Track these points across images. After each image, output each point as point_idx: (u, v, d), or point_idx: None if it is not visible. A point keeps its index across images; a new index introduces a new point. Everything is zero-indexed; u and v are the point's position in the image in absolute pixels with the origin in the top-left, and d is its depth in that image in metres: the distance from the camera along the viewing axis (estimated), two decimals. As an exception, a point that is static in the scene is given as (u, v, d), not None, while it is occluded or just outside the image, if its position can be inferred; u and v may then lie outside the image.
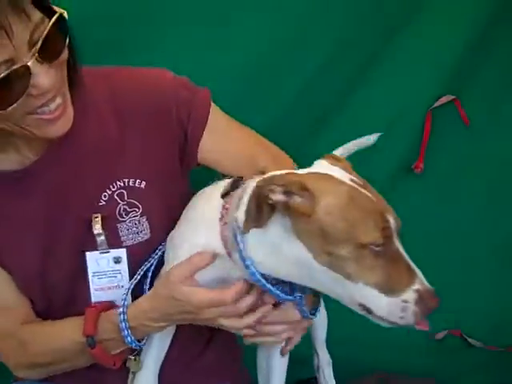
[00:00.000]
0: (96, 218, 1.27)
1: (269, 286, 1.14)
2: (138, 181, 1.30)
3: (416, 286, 1.03)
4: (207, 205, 1.24)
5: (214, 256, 1.18)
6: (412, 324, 1.04)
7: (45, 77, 1.04)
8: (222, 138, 1.40)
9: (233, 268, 1.16)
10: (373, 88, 2.18)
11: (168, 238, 1.30)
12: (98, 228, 1.26)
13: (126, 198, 1.29)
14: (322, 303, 1.73)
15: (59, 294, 1.32)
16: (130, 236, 1.31)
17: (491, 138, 2.30)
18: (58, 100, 1.11)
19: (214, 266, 1.18)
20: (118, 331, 1.22)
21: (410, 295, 1.03)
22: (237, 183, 1.18)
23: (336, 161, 1.19)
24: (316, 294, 1.28)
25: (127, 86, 1.31)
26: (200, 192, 1.34)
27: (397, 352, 2.18)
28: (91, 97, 1.28)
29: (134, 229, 1.31)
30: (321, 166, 1.17)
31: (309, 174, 1.10)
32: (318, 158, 1.99)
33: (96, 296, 1.32)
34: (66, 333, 1.28)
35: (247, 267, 1.11)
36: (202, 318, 1.19)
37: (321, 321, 1.76)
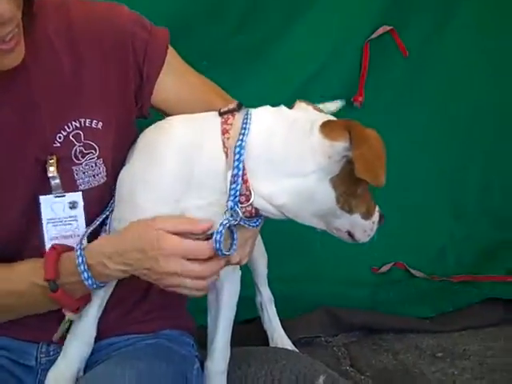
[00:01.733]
0: (51, 159, 1.20)
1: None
2: (94, 121, 1.23)
3: (377, 209, 1.25)
4: (183, 129, 1.20)
5: (209, 227, 1.13)
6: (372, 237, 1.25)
7: (6, 4, 1.00)
8: (178, 81, 1.35)
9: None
10: (309, 21, 2.12)
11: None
12: (52, 170, 1.20)
13: (82, 139, 1.23)
14: (262, 243, 1.72)
15: (11, 242, 1.25)
16: (86, 179, 1.25)
17: (430, 67, 2.30)
18: (15, 30, 1.04)
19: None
20: (78, 273, 1.16)
21: (376, 217, 1.24)
22: (240, 106, 1.19)
23: (307, 104, 1.28)
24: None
25: (83, 19, 1.23)
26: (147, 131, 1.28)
27: (343, 286, 2.21)
28: (44, 29, 1.20)
29: (90, 172, 1.25)
30: (306, 109, 1.26)
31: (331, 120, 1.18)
32: (254, 95, 2.04)
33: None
34: (25, 276, 1.20)
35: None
36: (161, 270, 1.13)
37: (261, 259, 1.75)
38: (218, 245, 1.11)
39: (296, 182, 1.12)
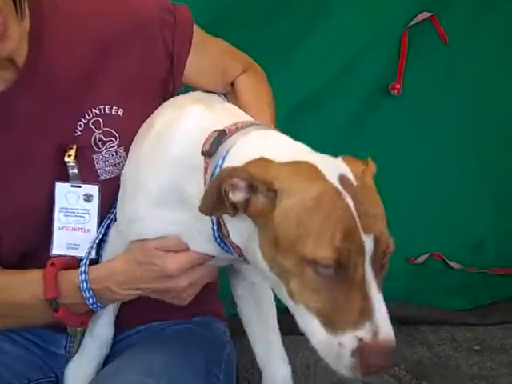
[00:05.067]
0: (71, 148, 1.20)
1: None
2: (114, 108, 1.22)
3: (360, 333, 0.80)
4: (185, 144, 1.07)
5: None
6: (350, 375, 0.83)
7: None
8: (200, 57, 1.33)
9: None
10: (349, 8, 2.10)
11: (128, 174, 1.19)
12: (71, 159, 1.19)
13: (101, 127, 1.22)
14: None
15: (30, 230, 1.24)
16: (107, 169, 1.23)
17: (470, 55, 2.25)
18: None
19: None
20: (81, 296, 1.15)
21: (348, 340, 0.81)
22: (220, 138, 1.00)
23: (351, 162, 0.94)
24: None
25: (111, 8, 1.24)
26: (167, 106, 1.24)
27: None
28: (66, 18, 1.20)
29: (111, 160, 1.23)
30: (321, 158, 0.94)
31: (288, 163, 0.90)
32: (294, 81, 2.03)
33: (58, 236, 1.23)
34: (27, 288, 1.19)
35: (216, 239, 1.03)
36: (177, 287, 1.14)
37: None
38: None
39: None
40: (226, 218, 0.96)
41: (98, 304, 1.16)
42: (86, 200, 1.23)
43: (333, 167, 0.89)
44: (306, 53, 2.07)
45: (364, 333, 0.79)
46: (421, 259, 2.31)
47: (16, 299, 1.20)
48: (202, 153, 0.99)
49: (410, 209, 2.20)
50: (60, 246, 1.23)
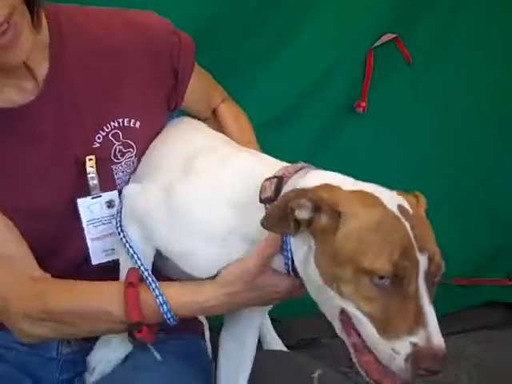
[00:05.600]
0: (90, 159, 1.23)
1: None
2: (132, 120, 1.28)
3: (415, 339, 0.87)
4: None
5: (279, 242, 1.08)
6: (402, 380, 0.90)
7: None
8: (196, 81, 1.41)
9: None
10: (314, 28, 2.16)
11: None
12: (91, 171, 1.23)
13: (121, 139, 1.27)
14: None
15: (50, 246, 1.26)
16: (125, 178, 1.29)
17: (433, 76, 2.32)
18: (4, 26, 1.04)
19: None
20: (161, 316, 1.14)
21: (403, 346, 0.87)
22: (279, 183, 1.06)
23: (405, 195, 1.04)
24: None
25: (125, 29, 1.29)
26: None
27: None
28: (86, 36, 1.25)
29: (129, 170, 1.29)
30: (380, 189, 1.02)
31: (353, 191, 0.99)
32: (258, 101, 2.07)
33: (94, 246, 1.26)
34: (103, 304, 1.16)
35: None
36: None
37: None
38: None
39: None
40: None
41: (178, 319, 1.15)
42: (108, 206, 1.27)
43: (391, 197, 0.99)
44: (274, 72, 2.13)
45: (418, 339, 0.87)
46: (386, 271, 2.38)
47: (89, 310, 1.17)
48: (261, 200, 1.05)
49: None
50: (97, 255, 1.27)
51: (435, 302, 2.38)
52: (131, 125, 1.28)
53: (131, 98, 1.28)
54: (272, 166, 1.12)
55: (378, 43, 2.19)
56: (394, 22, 2.22)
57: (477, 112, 2.39)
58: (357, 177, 1.10)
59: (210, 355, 1.61)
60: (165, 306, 1.12)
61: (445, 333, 2.19)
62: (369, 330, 0.91)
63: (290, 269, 1.06)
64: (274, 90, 2.12)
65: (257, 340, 1.30)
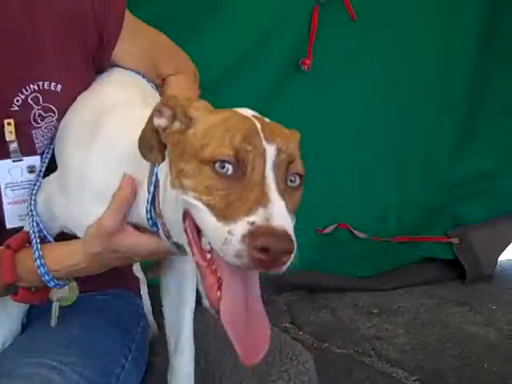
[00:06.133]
0: (9, 123, 1.18)
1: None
2: (53, 84, 1.21)
3: (252, 218, 0.78)
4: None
5: (134, 183, 1.04)
6: (235, 262, 0.80)
7: None
8: (132, 40, 1.35)
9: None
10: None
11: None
12: (10, 134, 1.18)
13: (41, 102, 1.21)
14: None
15: None
16: (46, 142, 1.23)
17: (377, 33, 2.33)
18: None
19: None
20: (39, 278, 1.12)
21: (238, 226, 0.79)
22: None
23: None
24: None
25: None
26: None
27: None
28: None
29: (50, 135, 1.24)
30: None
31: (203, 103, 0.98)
32: (206, 53, 2.00)
33: (9, 210, 1.22)
34: None
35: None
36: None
37: None
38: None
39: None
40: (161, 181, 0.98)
41: (59, 283, 1.14)
42: (30, 172, 1.23)
43: (250, 112, 0.94)
44: (217, 30, 2.09)
45: (256, 217, 0.78)
46: (328, 229, 2.42)
47: None
48: None
49: (319, 181, 2.21)
50: (12, 219, 1.23)
51: (375, 259, 2.48)
52: (52, 88, 1.22)
53: (52, 60, 1.23)
54: None
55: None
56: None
57: (419, 69, 2.42)
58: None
59: (150, 309, 1.62)
60: (42, 269, 1.11)
61: (383, 288, 2.28)
62: (207, 219, 0.83)
63: (149, 208, 1.01)
64: (218, 47, 2.09)
65: (195, 283, 1.27)
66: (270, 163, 0.85)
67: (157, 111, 0.95)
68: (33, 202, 1.16)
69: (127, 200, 1.03)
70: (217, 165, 0.84)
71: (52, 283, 1.12)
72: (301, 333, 1.99)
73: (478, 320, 2.08)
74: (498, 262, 2.45)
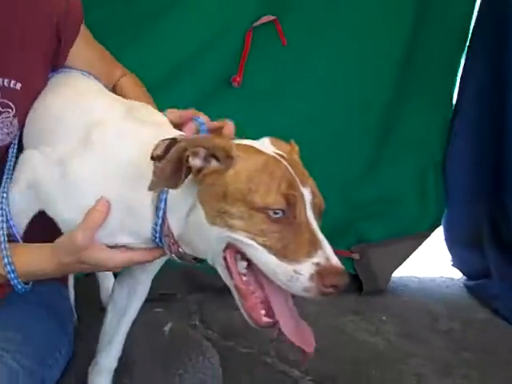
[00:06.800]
0: None
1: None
2: (13, 82, 1.26)
3: (316, 260, 0.94)
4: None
5: (108, 202, 1.09)
6: (303, 294, 0.95)
7: None
8: (88, 46, 1.43)
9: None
10: (197, 2, 2.26)
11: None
12: None
13: None
14: None
15: None
16: (1, 137, 1.27)
17: (308, 57, 2.47)
18: None
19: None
20: (3, 278, 1.15)
21: (305, 267, 0.94)
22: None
23: (277, 142, 1.14)
24: None
25: None
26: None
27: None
28: None
29: (6, 129, 1.27)
30: (255, 142, 1.11)
31: (235, 143, 1.06)
32: (138, 66, 2.04)
33: None
34: None
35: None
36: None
37: None
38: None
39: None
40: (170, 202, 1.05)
41: (25, 286, 1.16)
42: None
43: (267, 147, 1.08)
44: (154, 40, 2.19)
45: (319, 259, 0.94)
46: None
47: None
48: (152, 157, 1.01)
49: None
50: None
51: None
52: (11, 86, 1.27)
53: (15, 58, 1.27)
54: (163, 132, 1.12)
55: (257, 23, 2.31)
56: (274, 5, 2.35)
57: (346, 99, 2.55)
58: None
59: (73, 302, 1.70)
60: (11, 274, 1.13)
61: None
62: (265, 257, 0.96)
63: (158, 229, 1.07)
64: (152, 58, 2.18)
65: (147, 291, 1.36)
66: (308, 205, 1.00)
67: (192, 152, 0.99)
68: (4, 195, 1.16)
69: (102, 221, 1.08)
70: (270, 212, 0.97)
71: (20, 288, 1.15)
72: (209, 331, 2.12)
73: (369, 329, 2.28)
74: (392, 278, 2.66)
